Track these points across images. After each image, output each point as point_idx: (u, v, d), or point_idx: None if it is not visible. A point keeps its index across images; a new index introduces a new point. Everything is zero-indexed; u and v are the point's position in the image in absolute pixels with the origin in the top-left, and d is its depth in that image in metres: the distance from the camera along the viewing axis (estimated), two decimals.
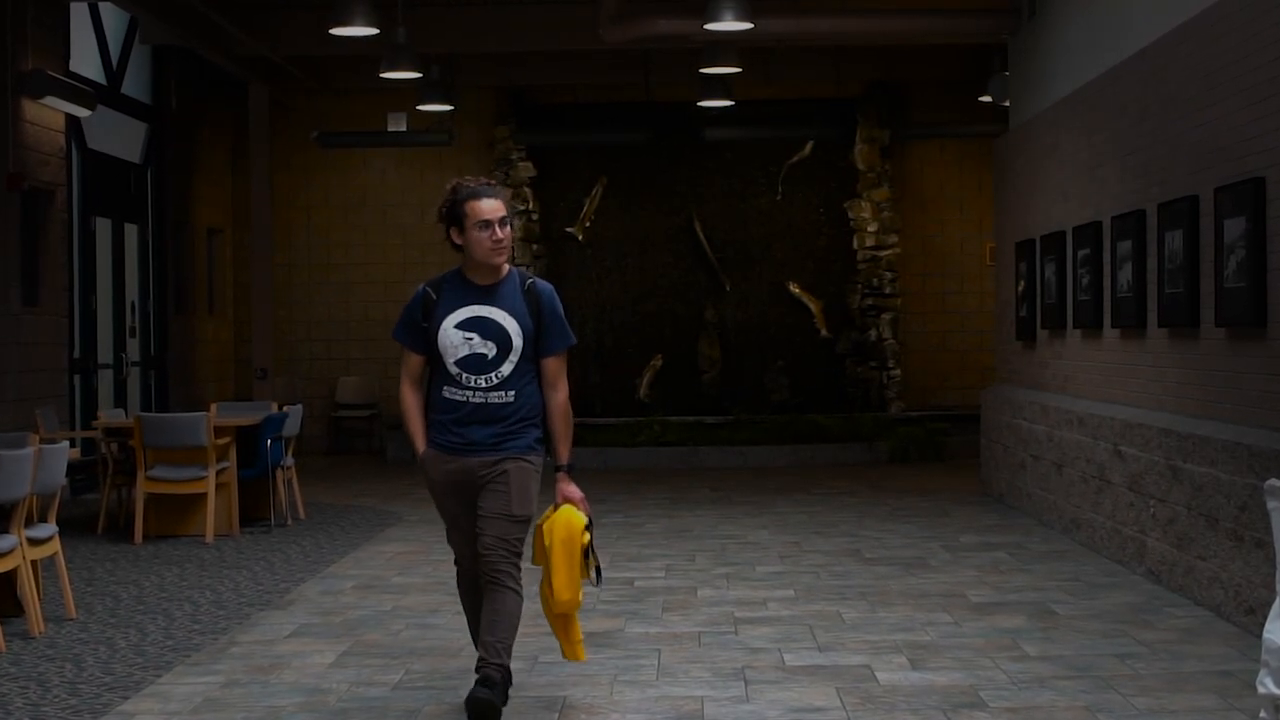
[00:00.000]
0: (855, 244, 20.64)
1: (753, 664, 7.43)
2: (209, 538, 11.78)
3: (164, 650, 7.88)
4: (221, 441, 12.08)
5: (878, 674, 7.18)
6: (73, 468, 12.82)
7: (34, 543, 8.42)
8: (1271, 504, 5.57)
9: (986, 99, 18.11)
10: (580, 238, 21.05)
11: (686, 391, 20.84)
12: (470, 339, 6.25)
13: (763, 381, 20.88)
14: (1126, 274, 10.49)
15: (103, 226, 16.51)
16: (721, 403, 20.54)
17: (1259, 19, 8.22)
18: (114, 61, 16.84)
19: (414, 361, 6.42)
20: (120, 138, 17.09)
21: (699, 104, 18.91)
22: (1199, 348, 9.16)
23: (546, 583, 6.33)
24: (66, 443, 8.97)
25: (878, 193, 20.51)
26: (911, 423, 19.14)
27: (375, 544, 11.76)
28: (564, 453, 6.37)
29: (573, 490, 6.40)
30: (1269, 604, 7.45)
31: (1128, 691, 6.79)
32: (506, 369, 6.25)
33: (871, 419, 19.18)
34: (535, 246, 20.67)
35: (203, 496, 11.90)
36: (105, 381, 16.49)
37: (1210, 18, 8.96)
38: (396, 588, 9.70)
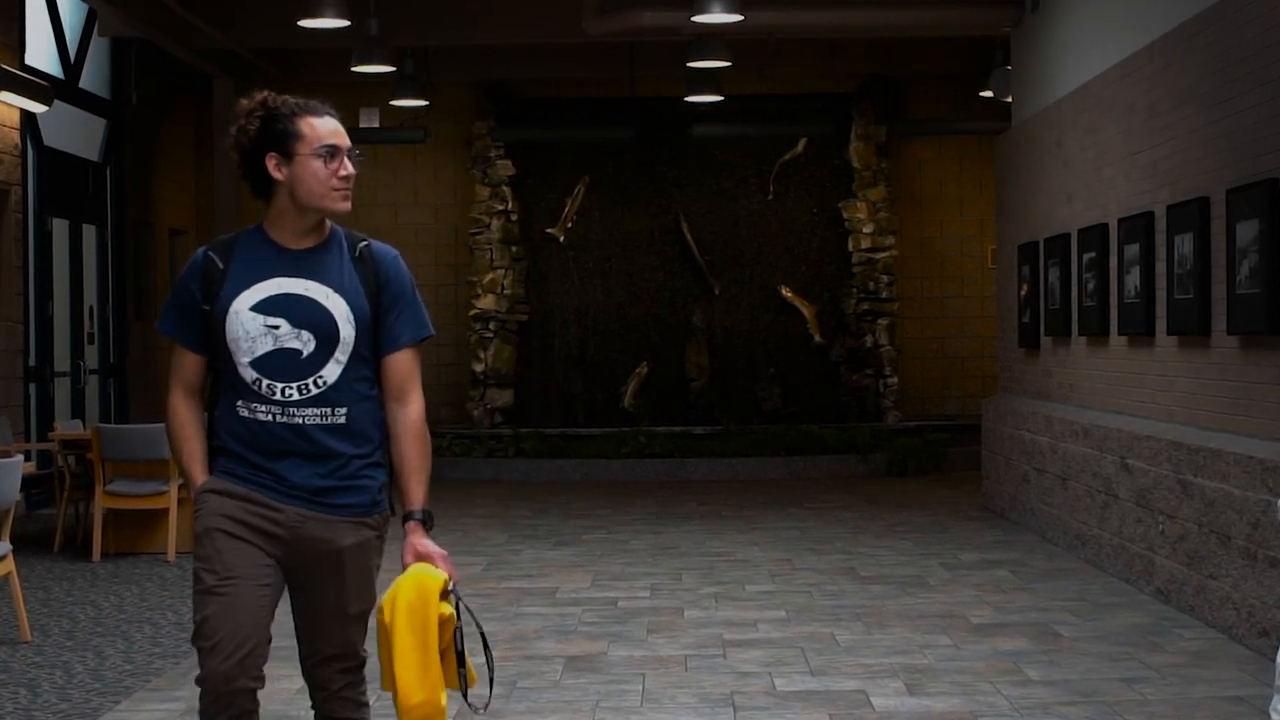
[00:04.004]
0: (850, 246, 20.65)
1: (742, 689, 7.42)
2: (171, 555, 11.75)
3: (123, 675, 7.85)
4: None
5: (873, 699, 7.17)
6: (27, 482, 12.77)
7: None
8: None
9: (988, 94, 18.15)
10: (562, 239, 21.05)
11: (673, 400, 20.84)
12: (275, 327, 4.37)
13: (753, 390, 20.89)
14: (1134, 279, 10.51)
15: (60, 227, 16.47)
16: (710, 412, 20.54)
17: (1279, 9, 8.23)
18: (71, 55, 16.81)
19: (188, 363, 4.48)
20: (78, 134, 17.06)
21: (686, 99, 18.92)
22: (1210, 356, 9.18)
23: (388, 677, 4.39)
24: (21, 456, 8.94)
25: (874, 192, 20.53)
26: (909, 433, 19.15)
27: None
28: (418, 495, 4.49)
29: (427, 545, 4.49)
30: None
31: (1135, 718, 6.79)
32: (331, 372, 4.40)
33: (867, 429, 19.19)
34: (515, 248, 20.67)
35: (164, 512, 11.87)
36: (62, 390, 16.46)
37: (1226, 9, 8.97)
38: None
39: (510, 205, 20.57)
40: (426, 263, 21.18)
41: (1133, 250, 10.54)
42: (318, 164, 4.41)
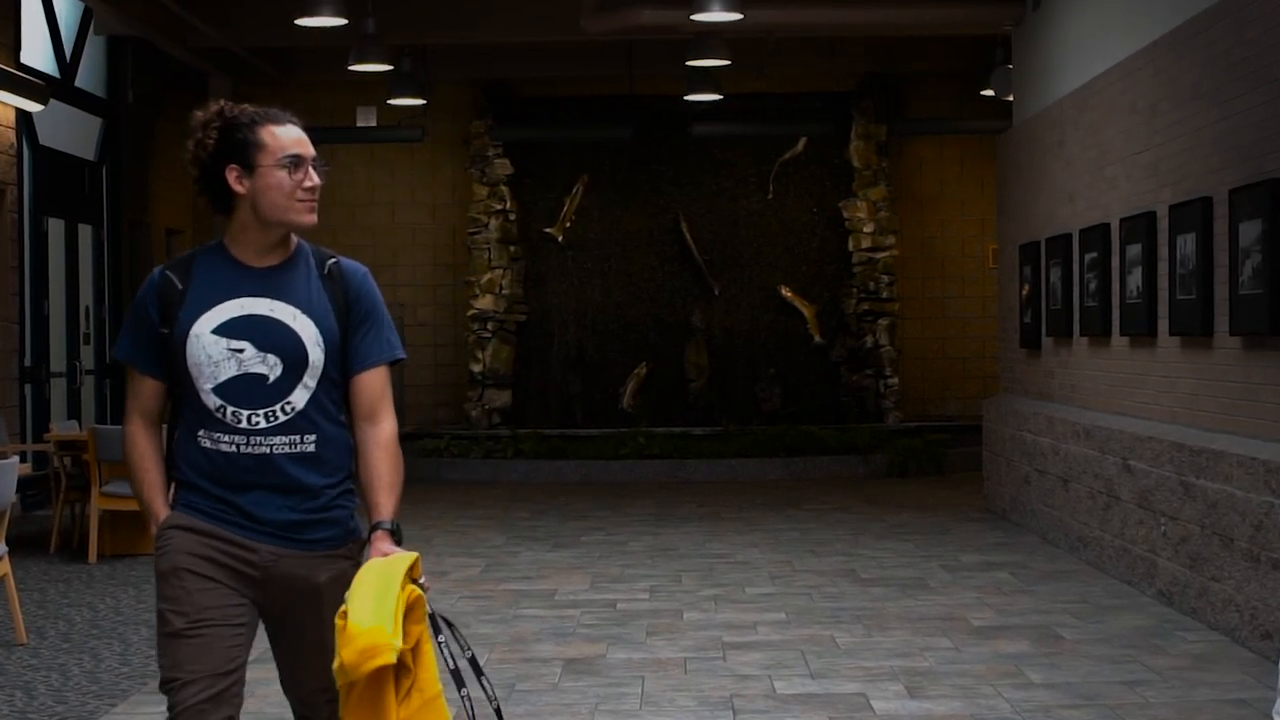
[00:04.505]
0: (851, 246, 20.65)
1: (742, 692, 7.42)
2: None
3: (119, 678, 7.85)
4: None
5: (873, 703, 7.17)
6: (23, 483, 12.80)
7: None
8: None
9: (989, 93, 18.15)
10: (560, 239, 21.05)
11: (673, 401, 20.84)
12: (239, 351, 4.13)
13: (753, 391, 20.89)
14: (1136, 279, 10.51)
15: (55, 227, 16.46)
16: (709, 413, 20.55)
17: None
18: (67, 53, 16.80)
19: (147, 391, 4.23)
20: (74, 133, 17.05)
21: (686, 98, 18.91)
22: (1212, 357, 9.18)
23: (339, 629, 3.91)
24: (16, 457, 8.93)
25: (874, 192, 20.53)
26: (910, 434, 19.15)
27: None
28: (386, 505, 4.19)
29: (397, 550, 4.15)
30: None
31: None
32: (300, 398, 4.16)
33: (868, 430, 19.19)
34: (513, 248, 20.66)
35: None
36: (58, 391, 16.45)
37: (1229, 7, 8.97)
38: None
39: (508, 205, 20.56)
40: (424, 263, 21.18)
41: (1135, 250, 10.54)
42: (281, 175, 4.15)
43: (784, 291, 20.94)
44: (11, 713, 7.14)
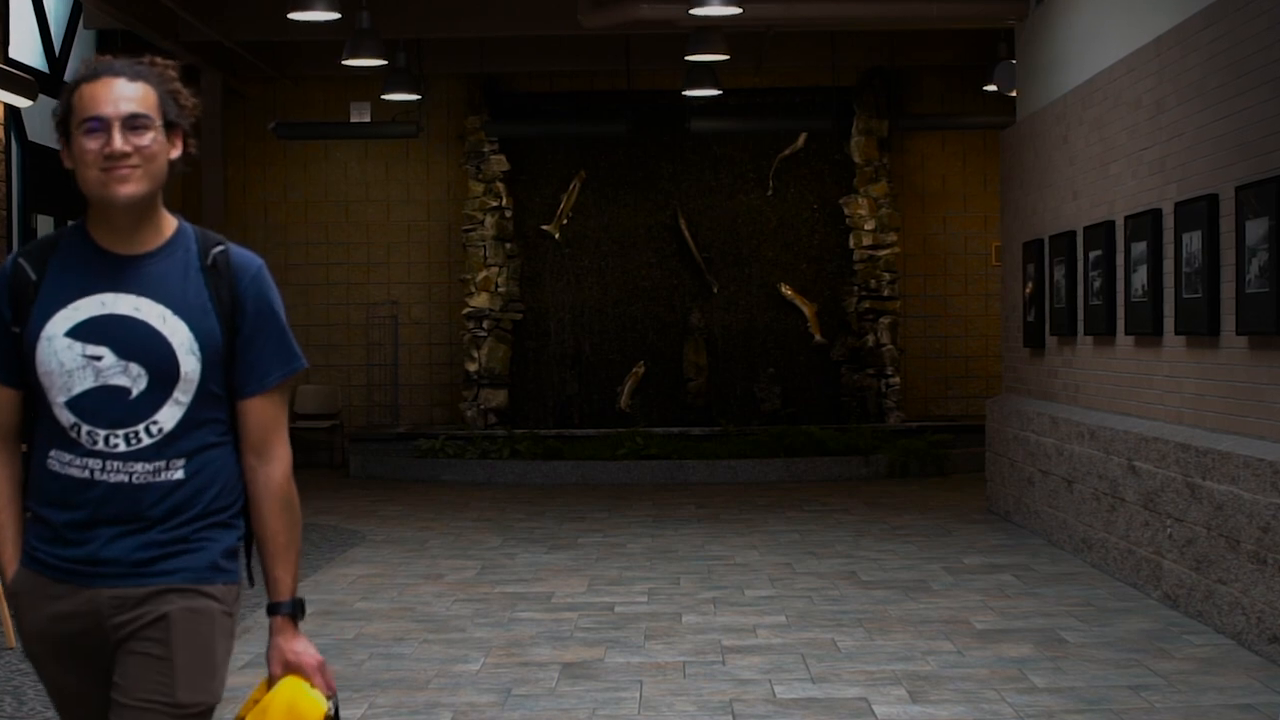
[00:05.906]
0: (851, 243, 20.64)
1: (741, 696, 7.43)
2: None
3: None
4: None
5: (875, 707, 7.18)
6: None
7: None
8: None
9: (992, 88, 18.15)
10: (557, 236, 21.04)
11: (671, 401, 20.84)
12: (96, 359, 3.45)
13: (752, 390, 20.89)
14: (1141, 277, 10.51)
15: (45, 224, 16.46)
16: (708, 413, 20.54)
17: None
18: (56, 48, 16.80)
19: (2, 402, 3.59)
20: None
21: (684, 93, 18.89)
22: (1219, 357, 9.18)
23: None
24: None
25: (875, 188, 20.52)
26: (911, 434, 19.14)
27: (337, 566, 11.74)
28: (285, 579, 3.60)
29: (302, 650, 3.57)
30: None
31: None
32: (169, 417, 3.46)
33: (869, 430, 19.19)
34: (509, 245, 20.66)
35: None
36: None
37: (1235, 2, 8.97)
38: (360, 614, 9.67)
39: (504, 201, 20.56)
40: (419, 260, 21.18)
41: (1140, 248, 10.55)
42: (83, 142, 3.44)
43: (784, 290, 20.93)
44: (1, 717, 7.14)
